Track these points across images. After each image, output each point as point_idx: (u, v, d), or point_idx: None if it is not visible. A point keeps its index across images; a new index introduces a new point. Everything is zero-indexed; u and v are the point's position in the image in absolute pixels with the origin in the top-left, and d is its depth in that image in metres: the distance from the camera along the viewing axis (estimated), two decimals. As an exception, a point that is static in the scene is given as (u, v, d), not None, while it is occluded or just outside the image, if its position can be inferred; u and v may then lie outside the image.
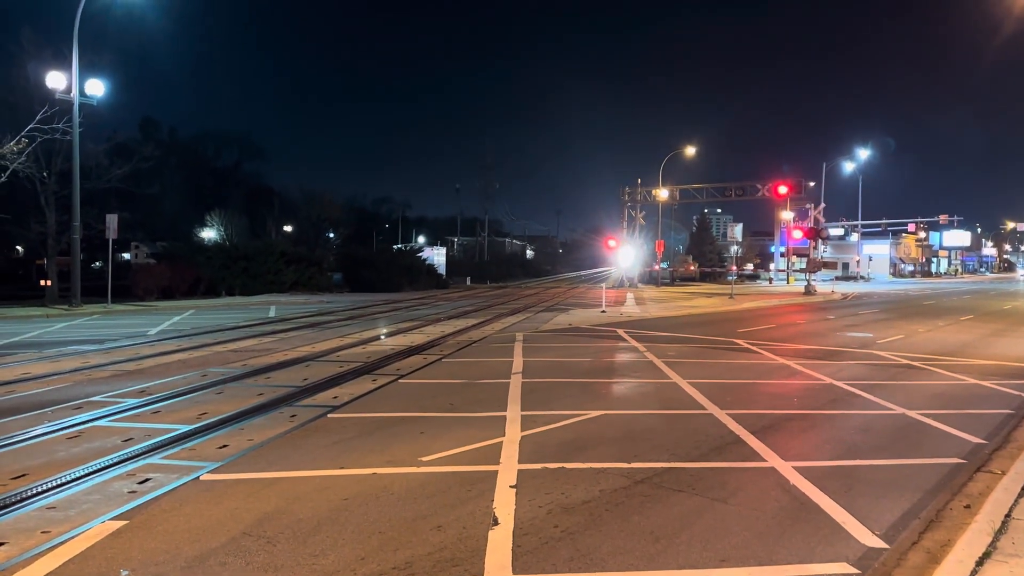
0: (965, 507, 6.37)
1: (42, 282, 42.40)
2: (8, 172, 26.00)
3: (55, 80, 27.19)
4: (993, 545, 5.42)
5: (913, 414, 10.23)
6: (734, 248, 63.72)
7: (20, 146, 25.78)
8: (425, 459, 7.58)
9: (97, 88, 28.80)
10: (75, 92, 27.20)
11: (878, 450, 8.32)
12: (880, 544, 5.58)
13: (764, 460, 7.75)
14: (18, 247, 63.81)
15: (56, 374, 12.71)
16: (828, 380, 13.05)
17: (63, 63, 28.13)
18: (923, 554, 5.43)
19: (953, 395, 12.05)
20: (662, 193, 57.28)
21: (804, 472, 7.27)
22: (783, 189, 49.14)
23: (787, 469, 7.39)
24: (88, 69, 29.01)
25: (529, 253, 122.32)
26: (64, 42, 28.35)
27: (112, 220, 29.55)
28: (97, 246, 47.20)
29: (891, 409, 10.59)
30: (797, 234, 49.87)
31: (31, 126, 25.83)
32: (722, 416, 9.76)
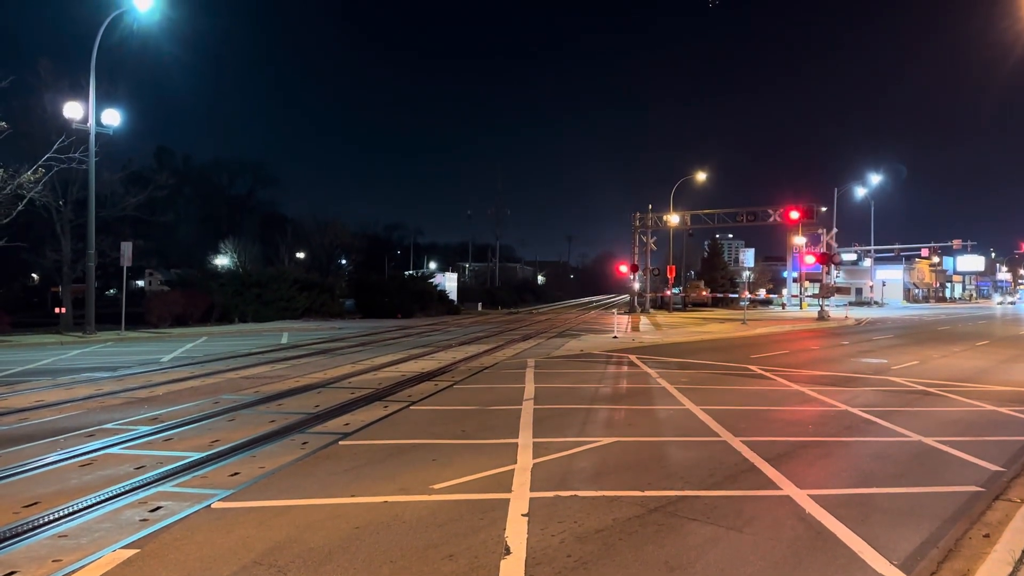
0: (984, 536, 6.27)
1: (57, 309, 42.71)
2: (25, 201, 26.32)
3: (72, 110, 27.64)
4: (1014, 575, 5.33)
5: (930, 441, 10.11)
6: (746, 273, 63.39)
7: (37, 175, 26.13)
8: (437, 487, 7.53)
9: (113, 118, 29.22)
10: (92, 122, 27.63)
11: (895, 478, 8.22)
12: (898, 574, 5.49)
13: (779, 488, 7.66)
14: (34, 275, 64.52)
15: (69, 401, 12.76)
16: (843, 407, 12.93)
17: (80, 93, 28.66)
18: (943, 585, 5.34)
19: (970, 422, 11.89)
20: (673, 219, 57.28)
21: (820, 500, 7.17)
22: (794, 215, 48.95)
23: (802, 497, 7.30)
24: (104, 99, 29.52)
25: (540, 279, 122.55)
26: (81, 73, 28.96)
27: (127, 248, 29.88)
28: (112, 274, 47.71)
29: (907, 436, 10.47)
30: (809, 259, 49.66)
31: (48, 155, 26.22)
32: (736, 443, 9.67)
